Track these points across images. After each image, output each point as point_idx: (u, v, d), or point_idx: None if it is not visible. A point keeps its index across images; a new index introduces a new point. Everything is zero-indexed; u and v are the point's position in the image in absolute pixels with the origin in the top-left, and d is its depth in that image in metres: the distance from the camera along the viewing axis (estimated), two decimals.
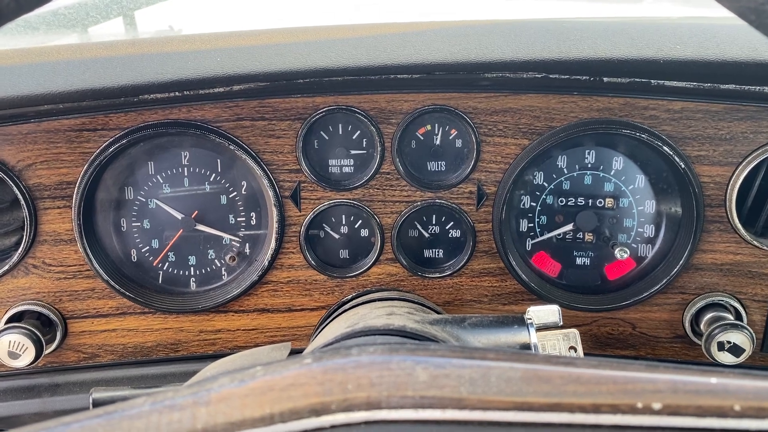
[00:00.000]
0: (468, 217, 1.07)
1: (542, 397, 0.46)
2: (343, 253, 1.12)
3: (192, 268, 1.15)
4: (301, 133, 1.04)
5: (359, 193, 1.07)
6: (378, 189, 1.07)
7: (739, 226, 1.01)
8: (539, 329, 0.77)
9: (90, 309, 1.09)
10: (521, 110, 1.02)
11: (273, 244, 1.08)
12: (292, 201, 1.07)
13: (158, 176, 1.12)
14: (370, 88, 1.01)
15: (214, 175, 1.12)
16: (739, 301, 1.06)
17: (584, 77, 0.93)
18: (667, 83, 0.92)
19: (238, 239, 1.14)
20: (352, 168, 1.08)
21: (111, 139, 1.01)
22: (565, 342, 0.77)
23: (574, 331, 0.80)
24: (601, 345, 1.12)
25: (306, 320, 1.13)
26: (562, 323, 0.79)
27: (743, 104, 0.97)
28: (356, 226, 1.11)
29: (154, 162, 1.11)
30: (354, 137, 1.07)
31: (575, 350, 0.78)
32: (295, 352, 1.14)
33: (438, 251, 1.12)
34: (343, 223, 1.11)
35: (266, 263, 1.08)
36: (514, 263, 1.08)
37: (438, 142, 1.08)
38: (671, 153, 0.99)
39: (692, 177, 1.00)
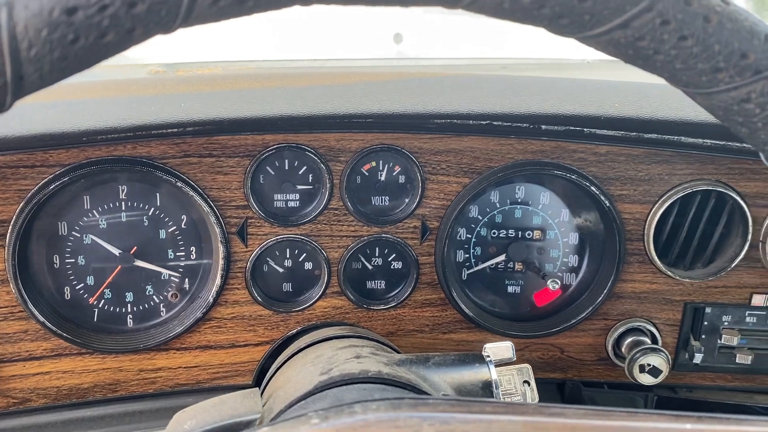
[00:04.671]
0: (412, 251, 1.11)
1: None
2: (288, 287, 1.13)
3: (129, 305, 1.12)
4: (250, 170, 1.04)
5: (307, 228, 1.08)
6: (326, 224, 1.09)
7: (656, 258, 1.12)
8: (496, 365, 0.82)
9: (22, 352, 1.03)
10: (463, 151, 1.07)
11: (218, 281, 1.07)
12: (239, 237, 1.07)
13: (94, 211, 1.08)
14: (320, 127, 1.03)
15: (152, 209, 1.10)
16: (654, 325, 1.16)
17: (525, 125, 0.99)
18: (598, 131, 1.00)
19: (177, 275, 1.12)
20: (300, 203, 1.09)
21: (51, 177, 0.97)
22: (519, 377, 0.83)
23: (527, 366, 0.85)
24: (533, 369, 1.19)
25: (249, 356, 1.12)
26: (515, 359, 0.85)
27: (660, 149, 1.07)
28: (302, 261, 1.12)
29: (90, 196, 1.07)
30: (301, 173, 1.09)
31: (528, 384, 0.83)
32: (238, 387, 1.13)
33: (382, 283, 1.16)
34: (289, 257, 1.12)
35: (211, 300, 1.07)
36: (454, 294, 1.13)
37: (383, 178, 1.11)
38: (598, 192, 1.08)
39: (615, 214, 1.09)
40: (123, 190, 1.08)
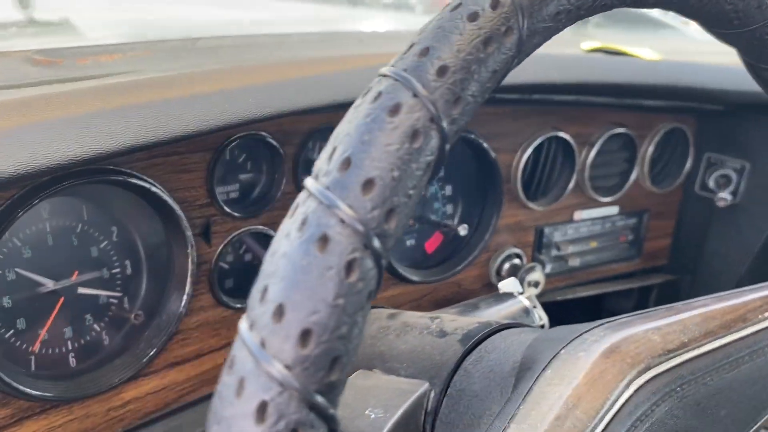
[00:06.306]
0: None
1: (720, 325, 0.70)
2: (248, 282, 1.09)
3: (69, 342, 0.94)
4: (212, 165, 0.97)
5: (265, 217, 1.06)
6: (281, 210, 1.07)
7: (522, 195, 1.38)
8: None
9: None
10: None
11: (188, 289, 0.98)
12: (203, 238, 0.99)
13: (14, 239, 0.88)
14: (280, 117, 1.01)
15: (80, 224, 0.94)
16: (520, 248, 1.44)
17: None
18: (500, 96, 1.20)
19: (117, 294, 0.99)
20: (256, 193, 1.05)
21: (11, 199, 0.76)
22: (530, 303, 1.00)
23: (531, 292, 1.03)
24: (439, 305, 1.37)
25: (214, 361, 1.06)
26: (523, 290, 1.02)
27: (519, 107, 1.33)
28: (260, 251, 1.09)
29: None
30: (242, 160, 1.05)
31: (535, 307, 1.01)
32: (206, 399, 1.07)
33: None
34: (248, 250, 1.07)
35: (183, 311, 0.98)
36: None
37: (315, 156, 1.14)
38: (487, 147, 1.29)
39: (498, 164, 1.32)
40: (45, 209, 0.90)
